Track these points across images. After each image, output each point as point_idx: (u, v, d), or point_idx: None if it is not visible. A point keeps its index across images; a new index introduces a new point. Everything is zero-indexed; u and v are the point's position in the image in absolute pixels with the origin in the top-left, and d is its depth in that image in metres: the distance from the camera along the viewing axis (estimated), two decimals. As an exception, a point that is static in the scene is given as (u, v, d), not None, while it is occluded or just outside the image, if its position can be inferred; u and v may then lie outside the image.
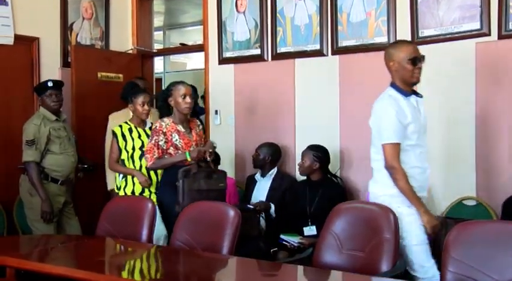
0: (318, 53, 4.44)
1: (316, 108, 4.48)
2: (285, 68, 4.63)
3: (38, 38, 4.85)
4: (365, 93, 4.22)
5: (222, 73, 5.03)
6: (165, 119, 3.72)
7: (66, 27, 5.11)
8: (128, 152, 3.98)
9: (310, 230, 3.89)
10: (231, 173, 4.82)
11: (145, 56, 5.78)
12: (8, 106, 4.64)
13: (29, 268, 2.79)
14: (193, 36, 8.02)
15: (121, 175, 4.01)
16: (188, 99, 3.69)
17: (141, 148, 3.95)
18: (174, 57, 8.43)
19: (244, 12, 4.84)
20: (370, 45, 4.18)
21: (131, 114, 4.13)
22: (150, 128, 3.95)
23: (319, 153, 4.05)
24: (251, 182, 4.43)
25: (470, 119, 3.76)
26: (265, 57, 4.75)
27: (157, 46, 6.37)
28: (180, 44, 7.15)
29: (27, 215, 4.13)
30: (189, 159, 3.59)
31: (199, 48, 5.49)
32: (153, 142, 3.66)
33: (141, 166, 3.93)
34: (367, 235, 2.81)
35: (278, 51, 4.67)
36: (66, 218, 4.22)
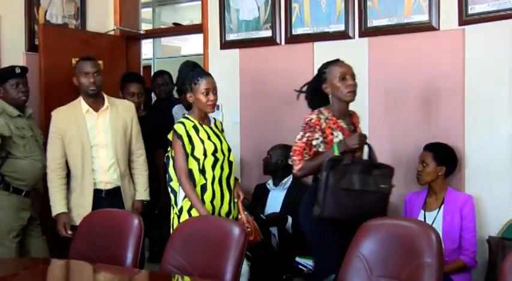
0: (343, 35, 4.45)
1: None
2: (302, 53, 4.64)
3: (-3, 16, 4.88)
4: (400, 85, 4.23)
5: (225, 60, 5.05)
6: (323, 111, 3.49)
7: (32, 3, 5.12)
8: (197, 160, 3.60)
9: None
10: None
11: (130, 39, 5.81)
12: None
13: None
14: (189, 15, 8.05)
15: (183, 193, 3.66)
16: (350, 81, 3.47)
17: (214, 154, 3.64)
18: (166, 41, 8.46)
19: (252, -15, 4.88)
20: (407, 25, 4.18)
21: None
22: (217, 126, 3.79)
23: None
24: (261, 192, 4.43)
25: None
26: (278, 40, 4.76)
27: (145, 26, 6.40)
28: (173, 24, 7.18)
29: None
30: (337, 153, 3.34)
31: (197, 29, 5.50)
32: (304, 139, 3.42)
33: (213, 178, 3.63)
34: (403, 259, 2.81)
35: (293, 33, 4.69)
36: (30, 238, 4.22)
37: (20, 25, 5.06)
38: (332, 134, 3.42)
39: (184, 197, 3.59)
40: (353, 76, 3.49)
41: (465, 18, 3.91)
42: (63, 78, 5.01)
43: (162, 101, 5.57)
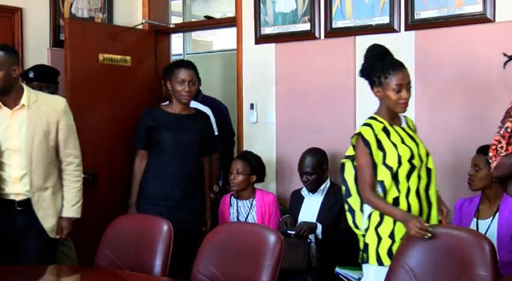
0: (387, 28, 4.42)
1: (384, 101, 4.44)
2: (343, 48, 4.62)
3: (20, 9, 4.92)
4: (450, 81, 4.18)
5: (260, 55, 5.05)
6: None
7: (57, -5, 5.20)
8: (390, 168, 3.20)
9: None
10: (271, 187, 4.83)
11: (159, 33, 5.83)
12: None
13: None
14: (222, 7, 8.07)
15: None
16: None
17: (410, 160, 3.21)
18: (197, 35, 8.48)
19: (289, -25, 4.87)
20: (458, 16, 4.12)
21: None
22: (409, 126, 3.41)
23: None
24: (297, 200, 4.42)
25: None
26: (317, 34, 4.75)
27: (175, 20, 6.43)
28: (205, 17, 7.17)
29: None
30: None
31: (230, 22, 5.51)
32: (502, 130, 2.82)
33: (409, 189, 3.20)
34: (453, 271, 2.79)
35: (333, 26, 4.67)
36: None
37: (44, 20, 5.11)
38: None
39: (369, 215, 3.25)
40: None
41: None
42: (90, 75, 5.08)
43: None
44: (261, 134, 5.02)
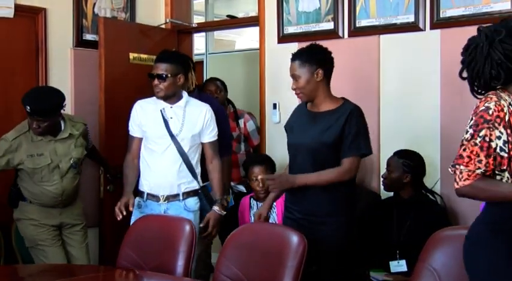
0: (412, 27, 4.40)
1: (408, 101, 4.44)
2: (367, 47, 4.61)
3: (44, 9, 4.97)
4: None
5: (283, 54, 5.02)
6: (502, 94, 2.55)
7: (80, -5, 5.24)
8: None
9: (398, 265, 3.87)
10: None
11: (182, 32, 5.87)
12: (5, 100, 4.73)
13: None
14: (244, 6, 8.08)
15: None
16: None
17: None
18: (220, 34, 8.49)
19: (312, -27, 4.86)
20: (486, 15, 4.09)
21: None
22: None
23: (410, 161, 4.02)
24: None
25: None
26: (340, 33, 4.75)
27: (197, 19, 6.45)
28: (227, 16, 7.20)
29: None
30: None
31: (253, 21, 5.52)
32: (478, 140, 2.47)
33: None
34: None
35: (357, 25, 4.66)
36: (67, 245, 4.38)
37: (67, 20, 5.15)
38: None
39: None
40: None
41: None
42: (122, 74, 5.13)
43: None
44: (284, 134, 5.01)
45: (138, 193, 4.08)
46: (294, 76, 3.53)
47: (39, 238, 4.22)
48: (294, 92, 3.57)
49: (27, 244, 4.30)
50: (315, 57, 3.51)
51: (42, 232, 4.22)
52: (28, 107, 3.97)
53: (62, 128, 4.24)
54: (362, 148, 3.46)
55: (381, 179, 4.18)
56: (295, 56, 3.55)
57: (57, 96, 4.12)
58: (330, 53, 3.59)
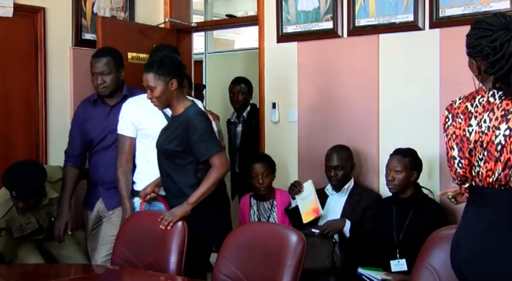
0: (411, 26, 4.41)
1: (407, 100, 4.44)
2: (366, 46, 4.61)
3: (43, 8, 4.97)
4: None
5: (282, 54, 5.05)
6: None
7: (79, -6, 5.23)
8: None
9: (398, 264, 3.87)
10: (292, 186, 4.84)
11: (181, 32, 5.87)
12: (5, 99, 4.74)
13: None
14: (243, 6, 8.08)
15: None
16: None
17: None
18: (219, 33, 8.50)
19: (311, -27, 4.87)
20: (485, 14, 4.09)
21: None
22: None
23: (414, 158, 4.04)
24: (320, 198, 4.42)
25: None
26: (340, 32, 4.74)
27: (196, 18, 6.45)
28: (227, 15, 7.21)
29: None
30: None
31: (252, 21, 5.53)
32: None
33: None
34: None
35: (357, 24, 4.66)
36: (58, 247, 4.38)
37: (66, 19, 5.15)
38: None
39: None
40: None
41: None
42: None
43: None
44: (283, 134, 5.02)
45: (134, 193, 3.98)
46: (149, 87, 3.63)
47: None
48: (150, 100, 3.67)
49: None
50: (167, 68, 3.61)
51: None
52: (14, 192, 3.88)
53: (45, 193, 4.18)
54: None
55: (383, 179, 4.14)
56: (149, 68, 3.64)
57: (40, 173, 4.04)
58: (181, 62, 3.81)
